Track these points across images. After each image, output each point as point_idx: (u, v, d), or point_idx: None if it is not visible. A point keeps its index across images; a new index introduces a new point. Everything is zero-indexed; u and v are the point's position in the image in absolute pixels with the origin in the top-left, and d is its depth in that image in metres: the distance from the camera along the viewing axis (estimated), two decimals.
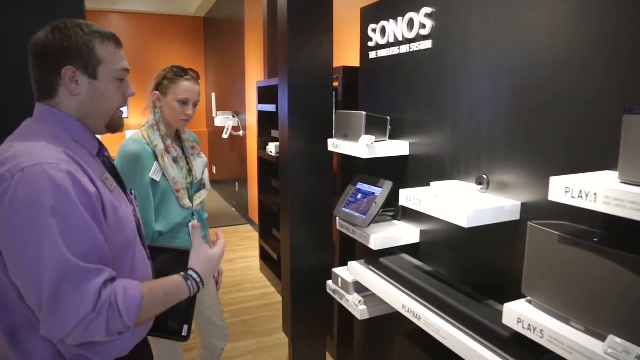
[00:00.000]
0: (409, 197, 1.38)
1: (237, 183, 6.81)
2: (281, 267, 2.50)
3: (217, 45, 7.68)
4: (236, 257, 4.94)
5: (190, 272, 1.18)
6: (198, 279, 1.19)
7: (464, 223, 1.18)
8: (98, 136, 1.22)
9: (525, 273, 1.06)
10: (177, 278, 1.16)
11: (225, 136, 6.21)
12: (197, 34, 8.53)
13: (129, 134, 2.03)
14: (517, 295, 1.10)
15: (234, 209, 6.97)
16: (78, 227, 0.97)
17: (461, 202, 1.25)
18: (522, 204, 1.24)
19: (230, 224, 6.20)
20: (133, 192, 1.33)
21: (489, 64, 1.31)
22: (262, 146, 4.20)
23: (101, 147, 1.21)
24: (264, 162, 4.34)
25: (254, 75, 5.50)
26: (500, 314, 1.10)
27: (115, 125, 1.20)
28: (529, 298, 1.06)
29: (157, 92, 1.90)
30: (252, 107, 5.53)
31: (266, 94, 4.12)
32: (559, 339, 0.93)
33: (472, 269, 1.44)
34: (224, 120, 6.34)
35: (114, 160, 1.35)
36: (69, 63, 1.07)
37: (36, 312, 0.96)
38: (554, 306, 0.98)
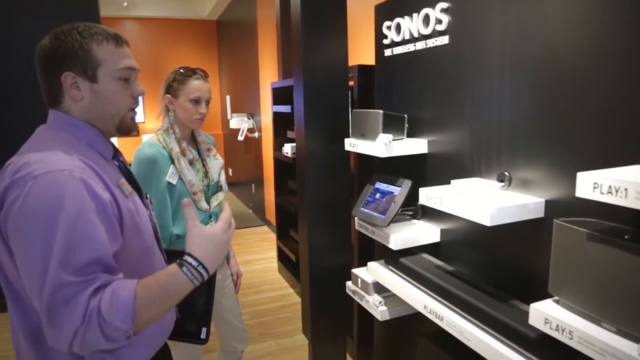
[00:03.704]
0: (429, 195, 1.36)
1: (253, 184, 6.82)
2: (299, 268, 2.49)
3: (230, 48, 7.71)
4: (254, 258, 4.94)
5: (185, 257, 1.01)
6: (195, 263, 1.00)
7: (487, 221, 1.15)
8: (114, 141, 1.20)
9: (551, 272, 1.03)
10: (170, 268, 1.01)
11: (240, 138, 6.23)
12: (210, 37, 8.57)
13: (145, 138, 2.04)
14: (543, 295, 1.06)
15: (250, 211, 6.99)
16: (83, 237, 0.93)
17: (483, 200, 1.22)
18: (546, 201, 1.20)
19: (247, 226, 6.22)
20: (148, 196, 1.32)
21: (510, 57, 1.28)
22: (277, 147, 4.20)
23: (116, 152, 1.20)
24: (280, 163, 4.34)
25: (268, 76, 5.51)
26: (526, 314, 1.07)
27: (127, 128, 1.15)
28: (556, 298, 1.03)
29: (168, 95, 1.90)
30: (267, 109, 5.53)
31: (281, 95, 4.12)
32: (590, 340, 0.90)
33: (496, 268, 1.41)
34: (239, 122, 6.36)
35: (130, 165, 1.34)
36: (67, 69, 1.05)
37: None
38: (584, 306, 0.95)
